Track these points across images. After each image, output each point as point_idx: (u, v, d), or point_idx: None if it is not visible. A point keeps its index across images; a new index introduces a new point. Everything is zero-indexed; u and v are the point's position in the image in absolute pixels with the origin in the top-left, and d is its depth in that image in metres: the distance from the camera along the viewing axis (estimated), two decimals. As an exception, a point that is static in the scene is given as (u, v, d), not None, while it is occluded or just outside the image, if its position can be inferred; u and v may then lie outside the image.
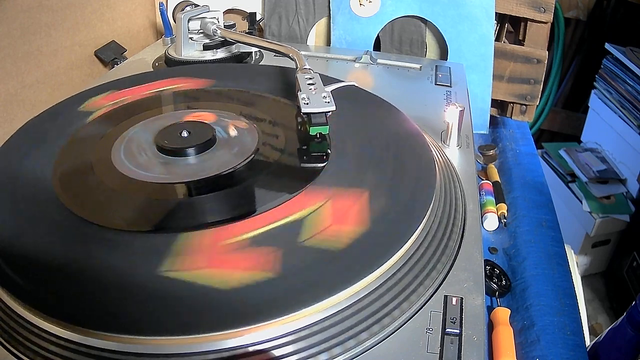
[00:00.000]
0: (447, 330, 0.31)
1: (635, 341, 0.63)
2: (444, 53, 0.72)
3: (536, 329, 0.43)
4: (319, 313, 0.30)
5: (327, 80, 0.50)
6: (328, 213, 0.36)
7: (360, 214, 0.36)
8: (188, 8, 0.65)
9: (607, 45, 1.42)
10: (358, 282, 0.31)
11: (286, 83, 0.55)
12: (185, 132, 0.44)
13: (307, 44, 0.75)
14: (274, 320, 0.28)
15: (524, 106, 0.75)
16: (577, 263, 0.59)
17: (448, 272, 0.35)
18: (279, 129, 0.47)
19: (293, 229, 0.35)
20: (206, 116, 0.48)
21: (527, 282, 0.47)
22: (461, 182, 0.45)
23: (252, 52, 0.67)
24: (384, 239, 0.34)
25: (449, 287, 0.34)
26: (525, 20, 0.71)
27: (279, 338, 0.29)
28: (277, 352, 0.28)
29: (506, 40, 0.76)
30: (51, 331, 0.29)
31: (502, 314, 0.41)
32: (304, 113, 0.43)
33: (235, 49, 0.65)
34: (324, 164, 0.41)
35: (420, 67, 0.66)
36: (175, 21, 0.70)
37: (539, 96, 0.73)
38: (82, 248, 0.34)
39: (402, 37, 0.72)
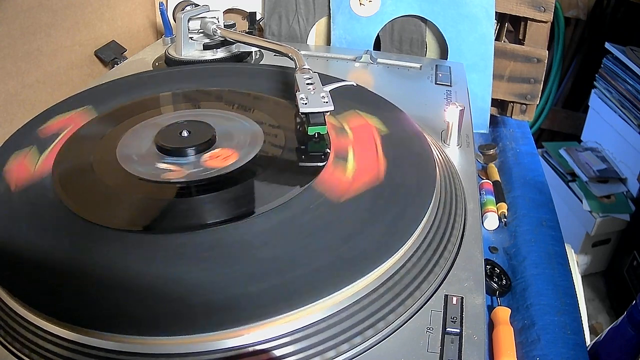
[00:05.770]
0: (447, 329, 0.31)
1: (635, 340, 0.63)
2: (444, 52, 0.72)
3: (536, 328, 0.43)
4: (319, 312, 0.30)
5: (327, 79, 0.50)
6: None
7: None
8: (188, 8, 0.65)
9: (607, 45, 1.42)
10: (359, 281, 0.31)
11: (283, 83, 0.55)
12: (185, 132, 0.44)
13: (307, 43, 0.75)
14: (274, 319, 0.28)
15: (524, 105, 0.75)
16: (577, 262, 0.59)
17: (448, 271, 0.35)
18: (279, 128, 0.47)
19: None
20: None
21: (527, 282, 0.47)
22: (461, 181, 0.45)
23: (252, 51, 0.67)
24: (385, 238, 0.34)
25: (449, 287, 0.34)
26: (526, 19, 0.71)
27: (279, 337, 0.29)
28: (277, 352, 0.28)
29: (506, 40, 0.76)
30: (51, 331, 0.29)
31: (503, 313, 0.41)
32: (302, 113, 0.43)
33: (235, 48, 0.65)
34: (324, 163, 0.41)
35: (421, 66, 0.66)
36: (175, 21, 0.70)
37: (539, 95, 0.73)
38: (82, 248, 0.34)
39: (402, 37, 0.72)
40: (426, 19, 0.70)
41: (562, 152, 1.50)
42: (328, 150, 0.43)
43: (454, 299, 0.33)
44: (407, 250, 0.34)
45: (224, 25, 0.64)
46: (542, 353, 0.41)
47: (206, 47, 0.64)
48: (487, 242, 0.52)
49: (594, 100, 1.50)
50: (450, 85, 0.61)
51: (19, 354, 0.30)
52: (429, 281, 0.34)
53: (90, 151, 0.44)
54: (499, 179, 0.60)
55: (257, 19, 0.74)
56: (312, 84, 0.46)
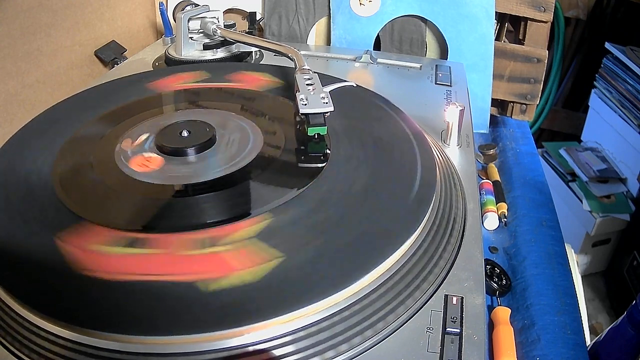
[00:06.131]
0: (447, 329, 0.31)
1: (635, 340, 0.63)
2: (444, 52, 0.72)
3: (536, 328, 0.43)
4: (319, 312, 0.30)
5: (327, 79, 0.50)
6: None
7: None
8: (188, 8, 0.65)
9: (607, 45, 1.42)
10: (358, 281, 0.31)
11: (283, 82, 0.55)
12: (185, 132, 0.44)
13: (307, 43, 0.75)
14: (274, 319, 0.28)
15: (524, 105, 0.75)
16: (577, 262, 0.59)
17: (448, 271, 0.35)
18: (278, 128, 0.47)
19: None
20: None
21: (527, 282, 0.47)
22: (461, 181, 0.45)
23: (252, 51, 0.67)
24: (384, 238, 0.34)
25: (449, 287, 0.34)
26: (526, 19, 0.71)
27: (279, 337, 0.29)
28: (277, 352, 0.28)
29: (506, 40, 0.76)
30: (51, 331, 0.29)
31: (503, 313, 0.41)
32: (302, 114, 0.43)
33: (235, 48, 0.65)
34: (324, 164, 0.41)
35: (421, 66, 0.66)
36: (175, 21, 0.70)
37: (539, 95, 0.73)
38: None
39: (402, 37, 0.72)
40: (426, 19, 0.70)
41: (562, 152, 1.50)
42: (328, 151, 0.43)
43: (454, 299, 0.33)
44: (407, 250, 0.34)
45: (224, 25, 0.64)
46: (542, 353, 0.41)
47: (206, 47, 0.64)
48: (487, 242, 0.52)
49: (594, 100, 1.50)
50: (450, 85, 0.61)
51: (18, 353, 0.30)
52: (429, 281, 0.34)
53: (91, 151, 0.44)
54: (499, 179, 0.60)
55: (257, 19, 0.74)
56: (312, 84, 0.46)
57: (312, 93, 0.44)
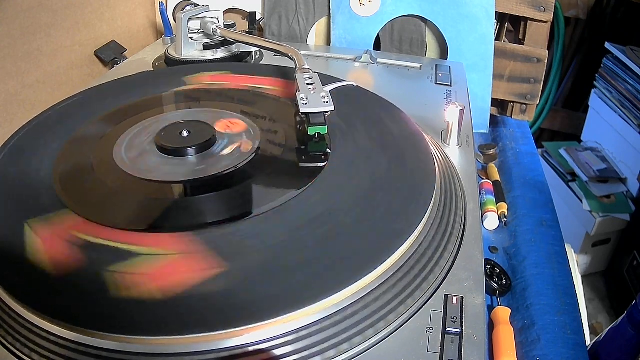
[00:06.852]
0: (447, 329, 0.31)
1: (635, 340, 0.63)
2: (444, 52, 0.72)
3: (536, 328, 0.43)
4: (319, 312, 0.30)
5: (327, 79, 0.50)
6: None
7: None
8: (188, 8, 0.65)
9: (607, 45, 1.42)
10: (359, 281, 0.31)
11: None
12: (185, 132, 0.44)
13: (307, 43, 0.75)
14: (274, 319, 0.28)
15: (524, 105, 0.75)
16: (577, 262, 0.59)
17: (448, 271, 0.35)
18: (279, 128, 0.47)
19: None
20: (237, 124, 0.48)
21: (527, 282, 0.47)
22: (461, 181, 0.45)
23: (252, 51, 0.67)
24: (385, 238, 0.34)
25: (449, 287, 0.34)
26: (526, 19, 0.71)
27: (279, 337, 0.29)
28: (277, 352, 0.28)
29: (506, 40, 0.76)
30: (51, 331, 0.29)
31: (503, 313, 0.41)
32: (302, 113, 0.43)
33: (235, 48, 0.65)
34: (324, 164, 0.41)
35: (421, 66, 0.66)
36: (175, 21, 0.70)
37: (539, 95, 0.73)
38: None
39: (402, 37, 0.72)
40: (426, 19, 0.70)
41: (562, 152, 1.50)
42: (328, 150, 0.43)
43: (454, 299, 0.33)
44: (407, 250, 0.34)
45: (224, 25, 0.64)
46: (542, 353, 0.41)
47: (206, 47, 0.64)
48: (487, 242, 0.52)
49: (594, 100, 1.50)
50: (450, 85, 0.61)
51: (19, 353, 0.30)
52: (429, 281, 0.34)
53: (91, 151, 0.44)
54: (499, 179, 0.60)
55: (257, 19, 0.74)
56: (312, 84, 0.46)
57: (312, 92, 0.44)
